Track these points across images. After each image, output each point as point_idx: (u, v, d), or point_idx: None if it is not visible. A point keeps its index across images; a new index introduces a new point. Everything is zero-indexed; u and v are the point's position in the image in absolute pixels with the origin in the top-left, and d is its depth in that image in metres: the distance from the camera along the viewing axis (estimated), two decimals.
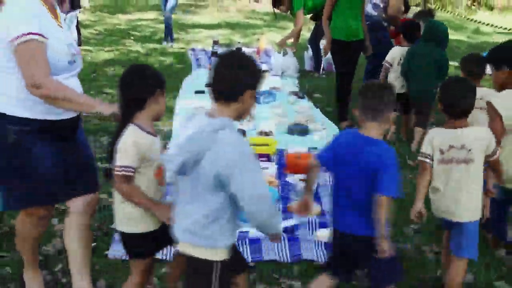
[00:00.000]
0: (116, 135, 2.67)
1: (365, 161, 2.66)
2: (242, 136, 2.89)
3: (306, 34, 13.44)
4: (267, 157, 5.33)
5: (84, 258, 3.12)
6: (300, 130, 6.32)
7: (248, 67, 2.39)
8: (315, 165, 2.91)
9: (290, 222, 4.11)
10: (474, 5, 19.75)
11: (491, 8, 19.05)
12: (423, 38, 6.03)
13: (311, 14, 9.47)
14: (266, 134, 6.19)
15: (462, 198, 3.03)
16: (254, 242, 3.85)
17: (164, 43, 12.03)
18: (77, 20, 10.13)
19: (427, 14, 7.83)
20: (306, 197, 2.97)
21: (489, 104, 3.52)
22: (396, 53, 6.34)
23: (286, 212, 4.37)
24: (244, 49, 10.57)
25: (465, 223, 3.05)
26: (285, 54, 9.47)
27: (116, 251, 3.72)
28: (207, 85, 3.00)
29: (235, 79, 2.35)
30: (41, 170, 2.91)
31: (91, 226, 4.05)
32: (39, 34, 2.73)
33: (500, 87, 3.70)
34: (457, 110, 3.03)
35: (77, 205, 3.03)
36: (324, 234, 3.96)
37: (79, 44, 9.99)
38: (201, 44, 12.11)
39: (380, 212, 2.59)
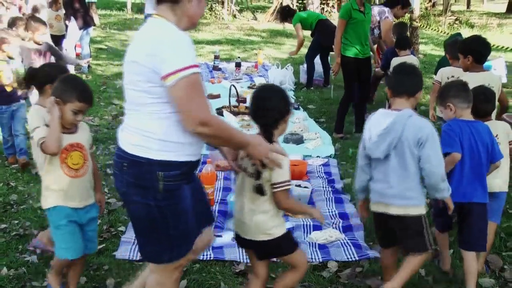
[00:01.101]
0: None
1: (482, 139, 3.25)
2: None
3: (303, 49, 13.48)
4: None
5: None
6: (295, 139, 6.32)
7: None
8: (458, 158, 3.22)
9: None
10: (456, 24, 19.85)
11: (471, 26, 19.15)
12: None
13: (311, 31, 9.55)
14: None
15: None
16: None
17: None
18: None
19: (402, 26, 8.14)
20: None
21: None
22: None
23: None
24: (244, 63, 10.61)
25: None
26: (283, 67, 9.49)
27: (124, 252, 3.70)
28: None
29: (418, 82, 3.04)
30: (190, 216, 2.50)
31: (100, 228, 4.07)
32: (197, 66, 2.31)
33: (465, 70, 4.34)
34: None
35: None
36: (317, 236, 3.96)
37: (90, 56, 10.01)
38: (204, 58, 12.11)
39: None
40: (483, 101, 3.49)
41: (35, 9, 8.31)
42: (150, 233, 2.47)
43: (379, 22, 7.66)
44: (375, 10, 7.70)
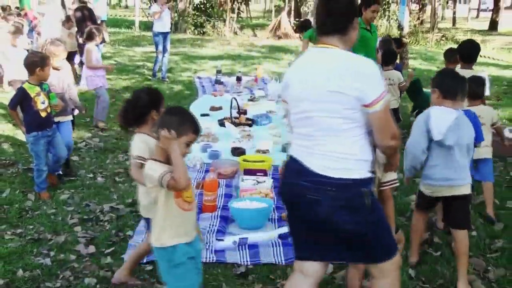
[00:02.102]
0: None
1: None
2: None
3: None
4: (264, 172, 5.32)
5: None
6: None
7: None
8: None
9: (284, 229, 4.09)
10: (442, 40, 19.94)
11: (457, 42, 19.17)
12: None
13: None
14: (263, 152, 6.18)
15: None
16: (253, 247, 3.83)
17: (154, 79, 11.17)
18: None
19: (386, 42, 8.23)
20: None
21: None
22: None
23: (281, 221, 4.36)
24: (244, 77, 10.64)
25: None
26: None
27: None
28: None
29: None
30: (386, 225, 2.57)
31: (109, 232, 4.07)
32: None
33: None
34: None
35: None
36: None
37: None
38: (206, 73, 12.14)
39: None
40: (474, 85, 3.97)
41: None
42: (365, 245, 2.45)
43: None
44: None
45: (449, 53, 5.59)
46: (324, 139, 2.38)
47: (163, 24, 10.95)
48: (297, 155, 2.46)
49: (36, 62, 4.63)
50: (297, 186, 2.41)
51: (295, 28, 21.52)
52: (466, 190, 3.39)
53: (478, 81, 4.23)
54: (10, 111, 4.82)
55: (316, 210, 2.37)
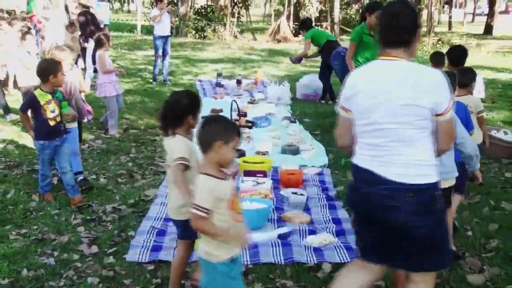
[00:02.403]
0: None
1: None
2: None
3: (299, 67, 13.52)
4: (263, 174, 5.32)
5: None
6: (292, 150, 6.33)
7: None
8: None
9: (283, 230, 4.10)
10: (438, 44, 19.94)
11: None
12: None
13: (320, 48, 9.55)
14: (263, 153, 6.19)
15: None
16: (253, 247, 3.82)
17: (155, 83, 11.10)
18: None
19: None
20: None
21: None
22: None
23: (280, 221, 4.36)
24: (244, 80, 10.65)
25: None
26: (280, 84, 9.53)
27: (133, 255, 3.70)
28: None
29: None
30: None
31: (111, 232, 4.07)
32: None
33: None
34: None
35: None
36: (312, 240, 3.96)
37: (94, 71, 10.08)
38: (207, 76, 12.16)
39: None
40: (460, 74, 4.16)
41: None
42: (432, 247, 2.48)
43: None
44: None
45: (436, 56, 5.70)
46: (397, 149, 2.43)
47: (163, 27, 10.96)
48: (366, 165, 2.49)
49: (49, 69, 4.49)
50: (372, 194, 2.45)
51: (294, 32, 21.58)
52: (451, 183, 3.42)
53: (464, 70, 4.52)
54: (20, 113, 4.72)
55: (394, 216, 2.40)
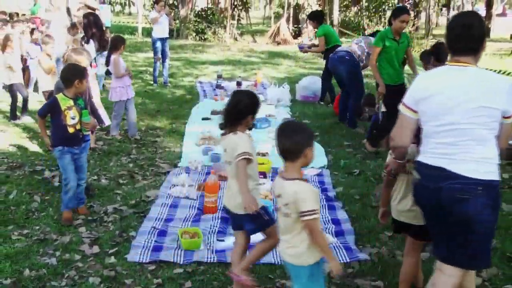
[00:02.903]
0: None
1: None
2: None
3: (298, 69, 13.52)
4: (263, 175, 5.33)
5: None
6: None
7: None
8: None
9: None
10: None
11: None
12: None
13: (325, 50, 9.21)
14: (263, 154, 6.19)
15: None
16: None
17: (155, 85, 11.03)
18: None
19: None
20: None
21: None
22: None
23: None
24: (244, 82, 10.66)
25: None
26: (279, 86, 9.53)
27: (134, 255, 3.71)
28: None
29: None
30: None
31: (113, 233, 4.07)
32: None
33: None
34: None
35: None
36: None
37: (106, 74, 10.06)
38: (208, 77, 12.16)
39: None
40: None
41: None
42: (486, 240, 2.68)
43: (367, 52, 7.71)
44: (364, 41, 7.82)
45: (425, 55, 5.87)
46: (472, 147, 2.58)
47: (161, 29, 10.96)
48: (437, 163, 2.62)
49: (75, 74, 4.25)
50: (444, 189, 2.58)
51: (293, 34, 21.61)
52: None
53: None
54: (38, 117, 4.41)
55: (464, 208, 2.55)
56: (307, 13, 20.74)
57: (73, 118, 4.25)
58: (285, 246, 2.68)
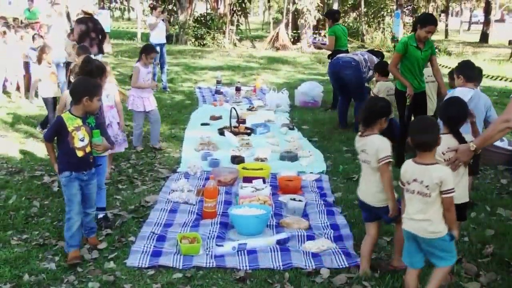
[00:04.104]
0: None
1: None
2: None
3: (297, 75, 13.55)
4: (262, 180, 5.33)
5: None
6: (290, 156, 6.34)
7: None
8: None
9: (282, 235, 4.11)
10: (436, 51, 20.02)
11: (449, 54, 19.32)
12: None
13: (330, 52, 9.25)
14: (262, 160, 6.21)
15: None
16: (252, 252, 3.84)
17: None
18: None
19: (375, 52, 8.61)
20: None
21: None
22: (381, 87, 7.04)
23: (279, 227, 4.37)
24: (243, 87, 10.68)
25: None
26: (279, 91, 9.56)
27: (134, 260, 3.71)
28: None
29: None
30: None
31: (112, 238, 4.07)
32: None
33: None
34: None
35: None
36: (310, 245, 3.96)
37: None
38: (207, 83, 12.19)
39: None
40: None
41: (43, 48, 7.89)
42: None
43: (369, 67, 7.84)
44: (368, 56, 7.94)
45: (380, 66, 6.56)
46: None
47: (159, 35, 10.99)
48: None
49: (85, 90, 3.71)
50: None
51: (292, 40, 21.65)
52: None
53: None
54: (45, 142, 3.85)
55: None
56: (306, 19, 20.90)
57: (81, 140, 3.69)
58: (426, 224, 3.00)
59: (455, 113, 3.47)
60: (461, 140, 3.34)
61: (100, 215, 4.35)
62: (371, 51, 8.71)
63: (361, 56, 8.05)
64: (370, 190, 3.49)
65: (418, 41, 5.83)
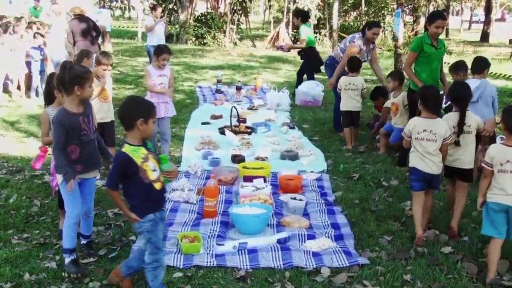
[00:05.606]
0: None
1: None
2: None
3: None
4: (263, 179, 5.33)
5: None
6: (291, 155, 6.34)
7: None
8: None
9: (282, 234, 4.11)
10: None
11: (450, 53, 19.30)
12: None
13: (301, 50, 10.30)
14: (262, 159, 6.21)
15: None
16: (252, 251, 3.84)
17: None
18: None
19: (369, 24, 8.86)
20: None
21: None
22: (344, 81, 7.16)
23: (279, 226, 4.37)
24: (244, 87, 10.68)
25: None
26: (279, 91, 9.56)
27: None
28: None
29: None
30: None
31: (112, 237, 4.07)
32: None
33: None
34: None
35: None
36: (311, 244, 3.96)
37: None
38: (207, 82, 12.18)
39: None
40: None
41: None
42: None
43: (342, 48, 7.85)
44: (347, 38, 7.88)
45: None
46: None
47: (157, 37, 10.92)
48: None
49: (138, 114, 3.01)
50: None
51: (293, 39, 21.66)
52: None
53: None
54: (110, 192, 3.09)
55: None
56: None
57: (154, 170, 3.06)
58: None
59: (463, 94, 4.24)
60: (463, 117, 4.16)
61: (83, 241, 3.87)
62: (366, 24, 8.37)
63: (337, 48, 8.17)
64: (433, 162, 4.10)
65: (432, 39, 5.88)
